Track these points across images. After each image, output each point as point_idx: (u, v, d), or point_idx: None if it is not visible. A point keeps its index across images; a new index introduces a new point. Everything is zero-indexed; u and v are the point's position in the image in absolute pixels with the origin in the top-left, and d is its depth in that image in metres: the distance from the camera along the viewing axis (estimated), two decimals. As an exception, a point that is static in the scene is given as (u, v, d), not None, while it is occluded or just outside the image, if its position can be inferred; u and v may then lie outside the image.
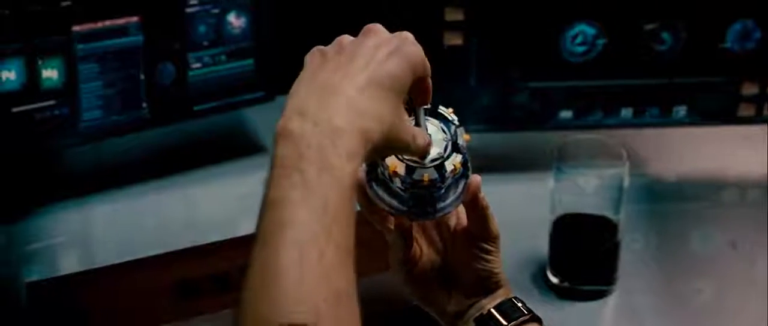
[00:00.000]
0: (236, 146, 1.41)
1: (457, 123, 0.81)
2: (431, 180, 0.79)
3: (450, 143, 0.80)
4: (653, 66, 1.30)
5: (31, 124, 1.23)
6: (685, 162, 1.40)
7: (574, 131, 1.28)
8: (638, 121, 1.33)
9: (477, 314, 0.85)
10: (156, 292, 0.99)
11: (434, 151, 0.79)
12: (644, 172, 1.36)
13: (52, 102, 1.24)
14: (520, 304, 0.86)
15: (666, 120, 1.33)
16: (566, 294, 1.18)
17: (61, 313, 0.96)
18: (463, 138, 0.81)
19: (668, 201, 1.34)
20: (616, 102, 1.32)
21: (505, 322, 0.84)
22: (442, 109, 0.82)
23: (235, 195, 1.33)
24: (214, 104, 1.34)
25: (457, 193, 0.81)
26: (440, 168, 0.79)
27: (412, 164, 0.79)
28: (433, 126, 0.80)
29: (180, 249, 1.04)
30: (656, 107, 1.32)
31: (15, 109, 1.22)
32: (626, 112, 1.33)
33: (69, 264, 1.26)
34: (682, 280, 1.22)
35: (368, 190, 0.81)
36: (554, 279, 1.19)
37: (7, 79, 1.21)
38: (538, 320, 0.86)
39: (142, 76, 1.28)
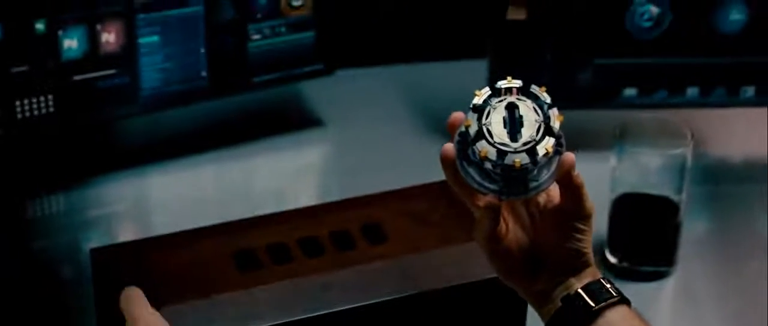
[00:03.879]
0: (294, 119, 1.40)
1: (549, 102, 0.79)
2: (523, 165, 0.77)
3: (543, 125, 0.78)
4: (721, 44, 1.28)
5: (92, 93, 1.24)
6: (751, 144, 1.37)
7: (638, 110, 1.27)
8: (704, 101, 1.31)
9: (564, 294, 0.83)
10: (215, 262, 0.99)
11: (526, 134, 0.78)
12: (708, 153, 1.34)
13: (112, 71, 1.24)
14: (608, 285, 0.83)
15: (733, 100, 1.31)
16: (624, 274, 1.17)
17: (123, 279, 0.96)
18: (556, 119, 0.79)
19: (732, 183, 1.32)
20: (682, 80, 1.30)
21: (593, 304, 0.82)
22: (534, 88, 0.80)
23: (292, 168, 1.33)
24: (273, 76, 1.33)
25: (550, 172, 0.80)
26: (532, 152, 0.78)
27: (503, 148, 0.77)
28: (525, 106, 0.78)
29: (238, 220, 1.04)
30: (723, 87, 1.30)
31: (76, 77, 1.23)
32: (692, 91, 1.30)
33: (127, 232, 1.26)
34: (744, 264, 1.20)
35: (459, 168, 0.80)
36: (612, 259, 1.18)
37: (69, 47, 1.21)
38: (626, 302, 0.83)
39: (202, 47, 1.28)
